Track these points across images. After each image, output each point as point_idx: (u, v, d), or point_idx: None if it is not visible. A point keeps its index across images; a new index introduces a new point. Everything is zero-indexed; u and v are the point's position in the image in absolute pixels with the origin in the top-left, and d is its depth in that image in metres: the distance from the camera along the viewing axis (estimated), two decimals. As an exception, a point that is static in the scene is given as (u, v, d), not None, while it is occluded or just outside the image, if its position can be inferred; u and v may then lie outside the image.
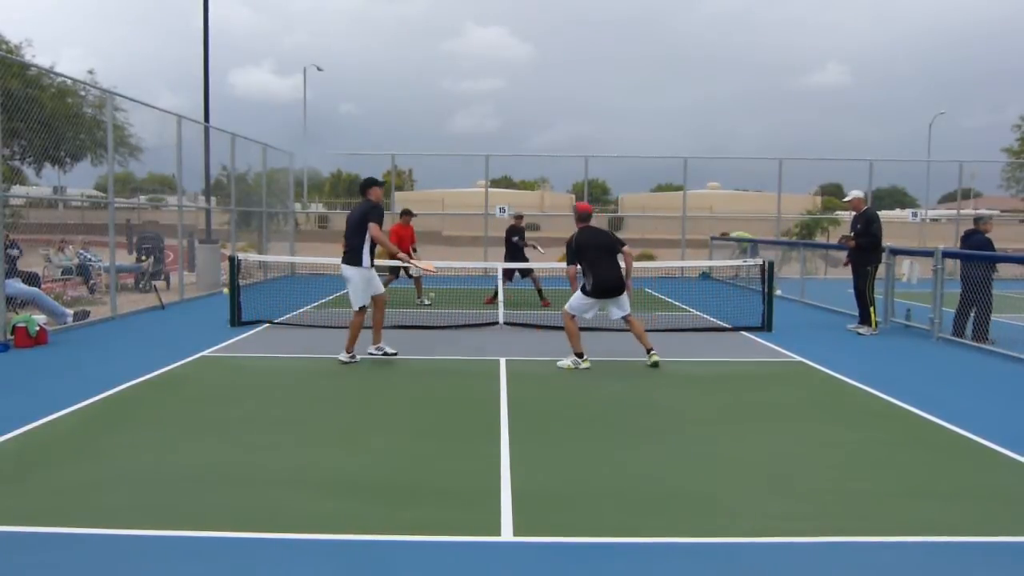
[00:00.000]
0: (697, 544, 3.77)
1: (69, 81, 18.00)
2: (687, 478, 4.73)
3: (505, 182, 48.30)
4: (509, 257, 13.88)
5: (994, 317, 9.94)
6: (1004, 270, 11.15)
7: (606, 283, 7.99)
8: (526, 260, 13.99)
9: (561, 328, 10.87)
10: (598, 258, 8.03)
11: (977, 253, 10.02)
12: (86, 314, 10.99)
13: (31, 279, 11.62)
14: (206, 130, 16.80)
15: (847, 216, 12.51)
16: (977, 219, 10.75)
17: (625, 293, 8.18)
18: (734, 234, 21.02)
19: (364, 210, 8.38)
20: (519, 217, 14.67)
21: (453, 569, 3.48)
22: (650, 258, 22.93)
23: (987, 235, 10.25)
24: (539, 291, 13.76)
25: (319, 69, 44.29)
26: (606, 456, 5.11)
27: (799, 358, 8.79)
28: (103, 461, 4.94)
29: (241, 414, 6.16)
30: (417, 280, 13.95)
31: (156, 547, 3.63)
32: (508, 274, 13.35)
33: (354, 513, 4.09)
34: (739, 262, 15.04)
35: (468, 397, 6.84)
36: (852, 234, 10.91)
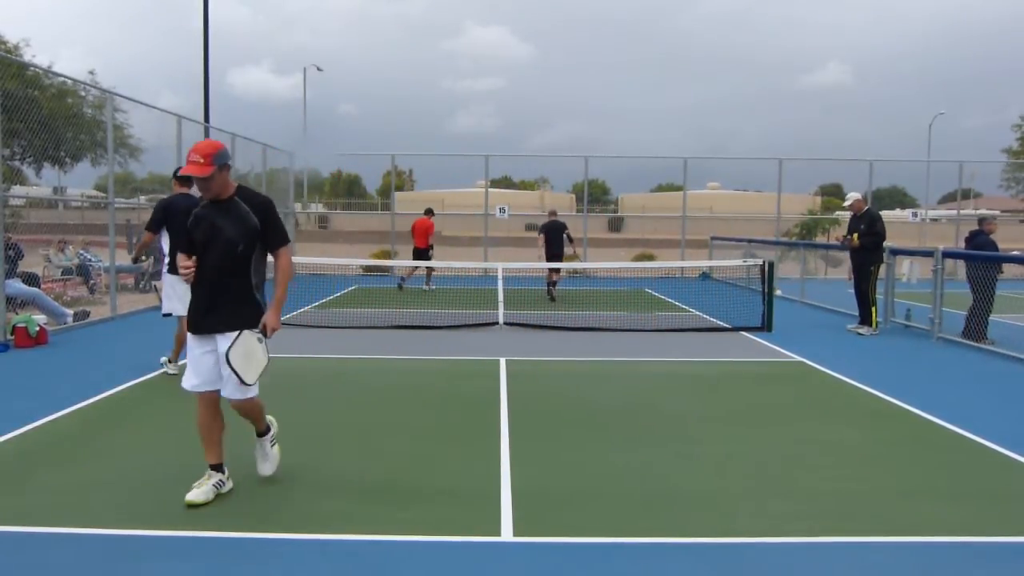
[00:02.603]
0: (697, 544, 3.77)
1: (69, 81, 17.99)
2: (687, 478, 4.73)
3: (505, 182, 48.30)
4: (550, 254, 14.84)
5: (994, 317, 9.94)
6: (1007, 270, 11.13)
7: (197, 305, 4.31)
8: (559, 255, 14.92)
9: (560, 328, 10.90)
10: (203, 256, 4.26)
11: (979, 253, 10.02)
12: (86, 314, 10.99)
13: (31, 279, 11.61)
14: (206, 130, 16.79)
15: (847, 216, 12.50)
16: (981, 219, 10.74)
17: (239, 339, 4.15)
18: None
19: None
20: (554, 212, 15.68)
21: (453, 569, 3.48)
22: (650, 258, 22.93)
23: (991, 235, 10.27)
24: (554, 283, 15.04)
25: (319, 69, 44.30)
26: (606, 456, 5.11)
27: (799, 358, 8.79)
28: (103, 461, 4.94)
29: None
30: (428, 269, 15.97)
31: (155, 547, 3.62)
32: (553, 272, 14.78)
33: (354, 513, 4.08)
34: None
35: (468, 397, 6.84)
36: (850, 235, 10.88)
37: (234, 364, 4.13)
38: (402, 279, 16.56)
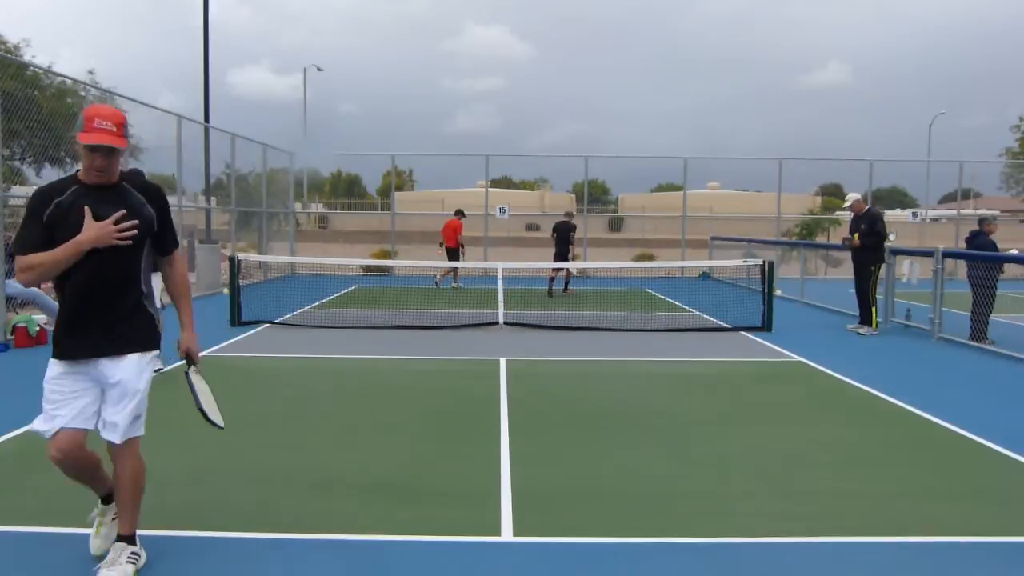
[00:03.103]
0: (697, 544, 3.76)
1: (69, 81, 18.01)
2: (687, 478, 4.73)
3: (505, 182, 48.41)
4: (560, 254, 15.55)
5: (994, 317, 9.94)
6: (1007, 270, 11.13)
7: (84, 324, 3.24)
8: (561, 253, 15.58)
9: (560, 328, 10.89)
10: (83, 260, 3.19)
11: (979, 254, 10.01)
12: (86, 314, 10.98)
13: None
14: (206, 130, 16.81)
15: (847, 216, 12.51)
16: (981, 220, 10.73)
17: (194, 390, 3.48)
18: None
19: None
20: (570, 214, 16.39)
21: (453, 569, 3.48)
22: (650, 258, 22.94)
23: (991, 236, 10.26)
24: (566, 282, 15.83)
25: (319, 69, 44.30)
26: (606, 456, 5.11)
27: (799, 358, 8.79)
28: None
29: (241, 414, 6.15)
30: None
31: (155, 547, 3.61)
32: (556, 271, 15.40)
33: (354, 513, 4.08)
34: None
35: (468, 397, 6.84)
36: (853, 236, 10.87)
37: (213, 419, 3.46)
38: (456, 279, 17.24)
